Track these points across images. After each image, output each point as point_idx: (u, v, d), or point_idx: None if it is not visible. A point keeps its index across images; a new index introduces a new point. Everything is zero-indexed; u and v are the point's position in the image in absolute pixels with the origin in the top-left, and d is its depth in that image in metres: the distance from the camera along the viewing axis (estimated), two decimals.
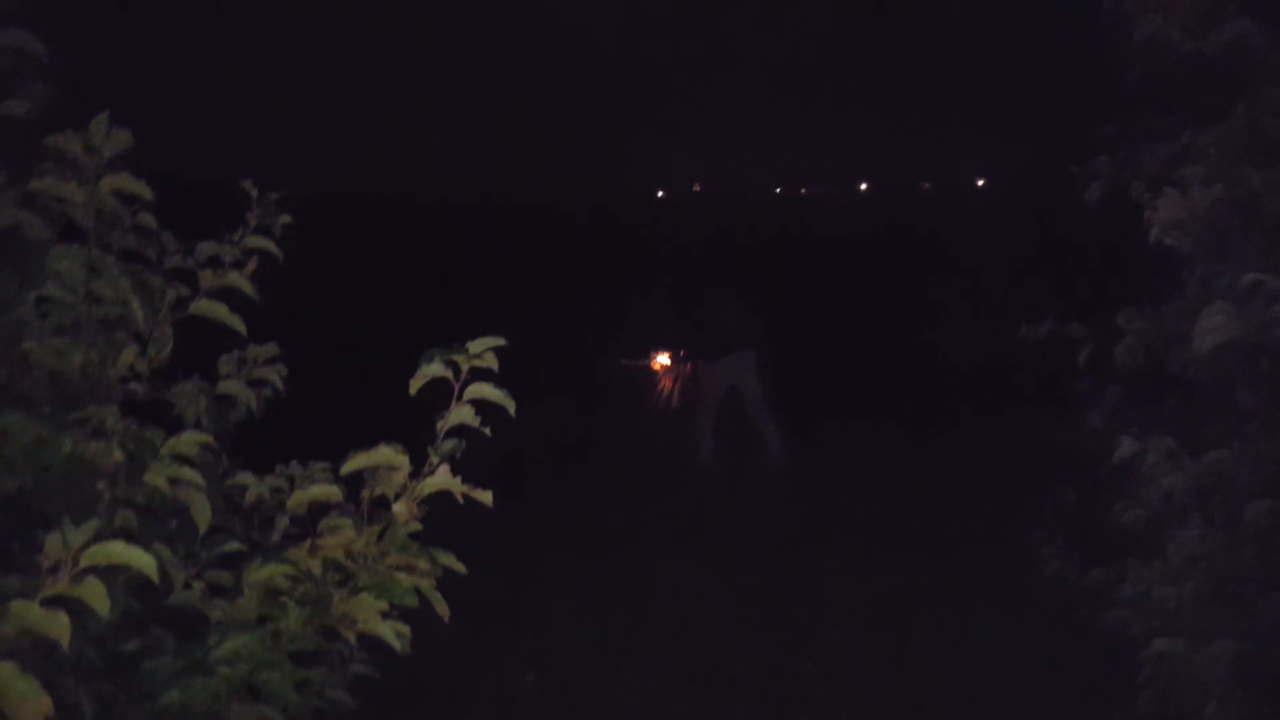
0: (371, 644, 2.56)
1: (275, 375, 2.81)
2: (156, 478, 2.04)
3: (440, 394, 2.30)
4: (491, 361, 2.28)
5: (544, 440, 8.19)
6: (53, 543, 1.54)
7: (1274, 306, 2.93)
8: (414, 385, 2.26)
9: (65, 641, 1.47)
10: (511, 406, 2.29)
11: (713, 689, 5.23)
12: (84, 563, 1.54)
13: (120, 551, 1.56)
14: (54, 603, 1.53)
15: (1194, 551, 3.15)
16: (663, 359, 10.40)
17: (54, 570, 1.55)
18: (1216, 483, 3.17)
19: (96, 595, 1.56)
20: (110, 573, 1.64)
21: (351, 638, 2.24)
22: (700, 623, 5.99)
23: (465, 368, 2.25)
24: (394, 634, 2.21)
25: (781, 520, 7.93)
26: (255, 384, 2.80)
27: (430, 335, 2.48)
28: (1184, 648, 3.02)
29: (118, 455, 2.17)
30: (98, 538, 1.61)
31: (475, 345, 2.27)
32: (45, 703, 1.47)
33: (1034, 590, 4.76)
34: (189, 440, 2.07)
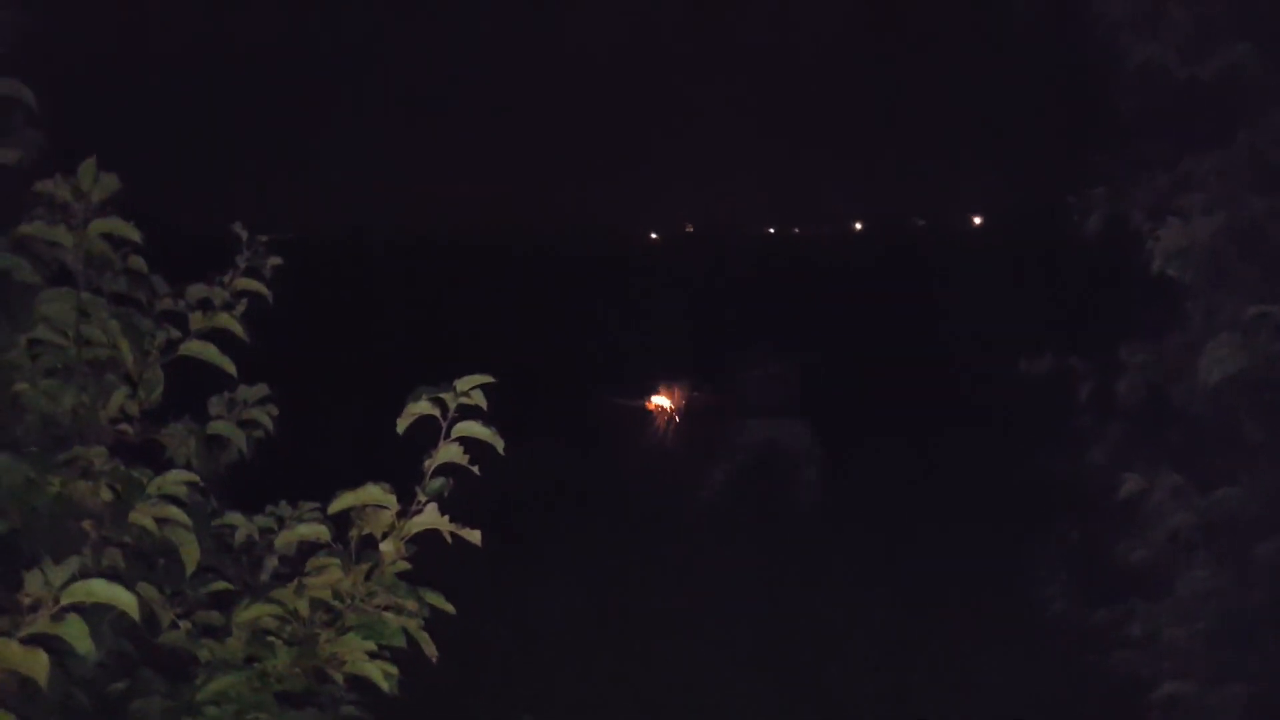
0: (363, 685, 2.51)
1: (265, 416, 2.78)
2: (142, 517, 2.01)
3: (432, 432, 2.27)
4: (480, 399, 2.25)
5: (532, 486, 8.12)
6: (33, 581, 1.51)
7: None
8: (401, 424, 2.23)
9: (43, 680, 1.44)
10: (500, 444, 2.25)
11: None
12: (64, 600, 1.51)
13: (101, 590, 1.53)
14: (36, 641, 1.50)
15: (1203, 590, 3.09)
16: (660, 400, 10.37)
17: (34, 608, 1.52)
18: (1225, 520, 3.12)
19: (78, 634, 1.53)
20: (96, 612, 1.61)
21: (339, 678, 2.20)
22: (696, 658, 5.90)
23: (453, 406, 2.22)
24: (381, 674, 2.17)
25: (784, 560, 7.85)
26: (246, 425, 2.77)
27: (423, 373, 2.45)
28: (1195, 690, 2.95)
29: (105, 495, 2.15)
30: (82, 576, 1.59)
31: (463, 383, 2.24)
32: None
33: (1037, 632, 4.68)
34: (175, 479, 2.04)
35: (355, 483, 2.25)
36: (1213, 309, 3.23)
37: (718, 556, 8.08)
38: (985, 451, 9.56)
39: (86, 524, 2.03)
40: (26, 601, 1.54)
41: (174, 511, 2.05)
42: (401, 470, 2.35)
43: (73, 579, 1.55)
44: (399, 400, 2.28)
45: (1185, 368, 3.21)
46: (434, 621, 2.26)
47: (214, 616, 2.36)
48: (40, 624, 1.53)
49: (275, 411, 2.79)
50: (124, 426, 2.54)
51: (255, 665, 2.23)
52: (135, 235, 2.38)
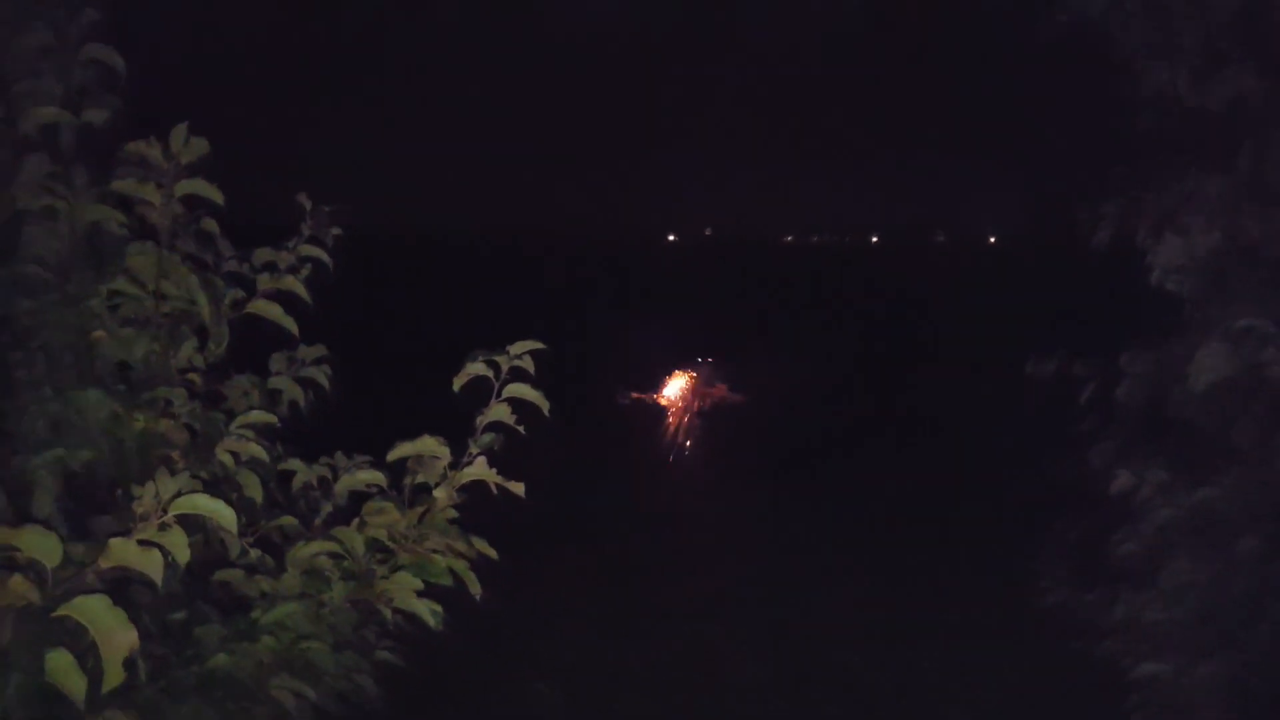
0: (396, 634, 2.72)
1: (322, 374, 2.99)
2: (224, 454, 2.21)
3: (481, 394, 2.46)
4: (529, 364, 2.45)
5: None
6: (146, 492, 1.70)
7: (1266, 349, 3.09)
8: (458, 381, 2.43)
9: (159, 578, 1.62)
10: (545, 406, 2.45)
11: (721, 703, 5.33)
12: (172, 511, 1.70)
13: (205, 503, 1.72)
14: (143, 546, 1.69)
15: (1184, 581, 3.28)
16: (674, 389, 10.53)
17: (144, 518, 1.71)
18: (1208, 516, 3.31)
19: (178, 543, 1.72)
20: (188, 529, 1.81)
21: (388, 613, 2.39)
22: (707, 638, 6.09)
23: (505, 368, 2.42)
24: (429, 611, 2.36)
25: (788, 553, 8.05)
26: (303, 382, 2.97)
27: (461, 350, 2.64)
28: (1172, 670, 3.14)
29: (185, 433, 2.36)
30: (181, 493, 1.78)
31: (516, 347, 2.44)
32: (132, 635, 1.63)
33: (1035, 622, 4.87)
34: (257, 417, 2.24)
35: (408, 436, 2.46)
36: (1208, 320, 3.42)
37: (714, 547, 8.27)
38: (991, 451, 9.74)
39: (174, 454, 2.24)
40: (139, 510, 1.74)
41: (253, 448, 2.25)
42: (439, 431, 2.54)
43: (179, 494, 1.75)
44: (434, 370, 2.48)
45: (1180, 375, 3.40)
46: (456, 594, 2.44)
47: (267, 559, 2.57)
48: (150, 531, 1.73)
49: (330, 371, 3.01)
50: (192, 375, 2.75)
51: (311, 598, 2.43)
52: (218, 197, 2.57)
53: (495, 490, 2.44)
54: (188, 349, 2.70)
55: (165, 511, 1.71)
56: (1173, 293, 3.57)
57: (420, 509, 2.37)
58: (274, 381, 2.93)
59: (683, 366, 10.42)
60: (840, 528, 8.83)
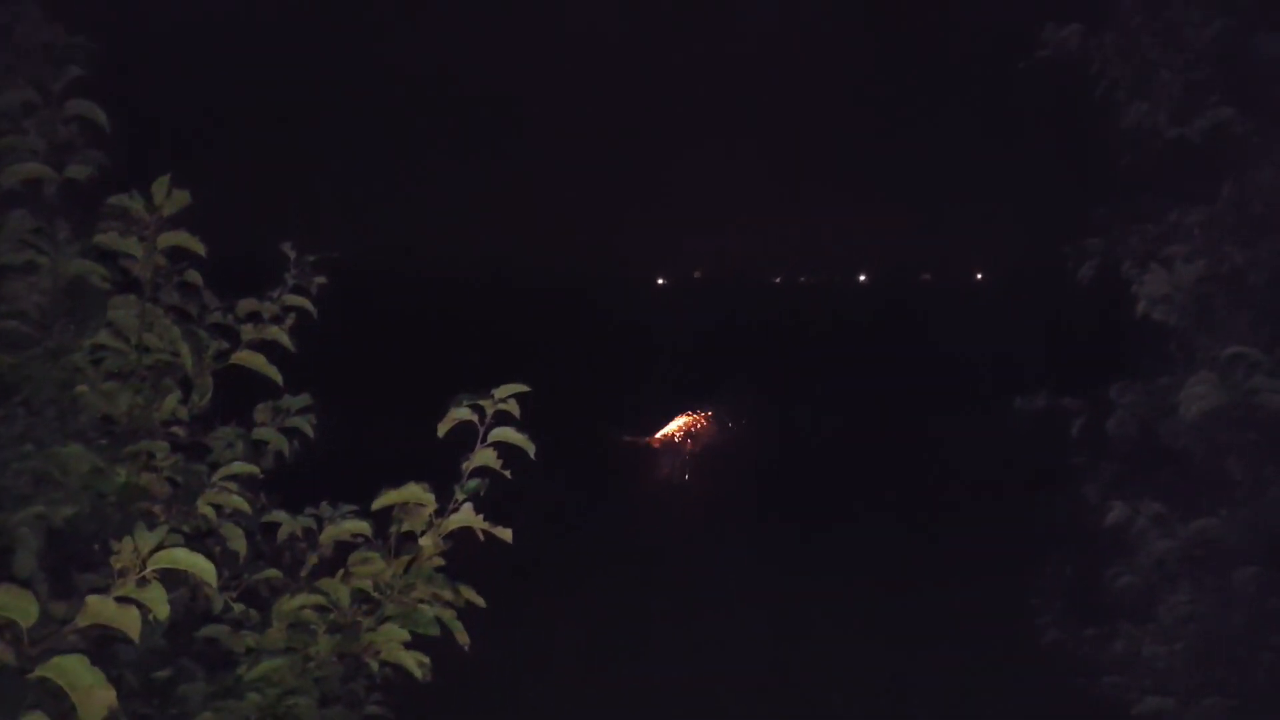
0: (385, 686, 2.68)
1: (307, 424, 2.96)
2: (206, 506, 2.18)
3: (468, 437, 2.44)
4: (514, 407, 2.43)
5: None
6: (125, 547, 1.67)
7: (1255, 377, 3.08)
8: (443, 427, 2.40)
9: (136, 635, 1.59)
10: (531, 449, 2.42)
11: None
12: (151, 566, 1.67)
13: (185, 558, 1.69)
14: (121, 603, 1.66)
15: (1184, 614, 3.25)
16: (666, 430, 10.49)
17: (123, 573, 1.68)
18: (1206, 548, 3.29)
19: (158, 599, 1.69)
20: (167, 584, 1.78)
21: (375, 666, 2.35)
22: (706, 683, 6.01)
23: (490, 411, 2.39)
24: (415, 663, 2.32)
25: (781, 591, 7.98)
26: (288, 431, 2.95)
27: (443, 392, 2.62)
28: (1175, 706, 3.09)
29: (167, 486, 2.33)
30: (161, 547, 1.75)
31: (500, 391, 2.41)
32: (110, 694, 1.59)
33: (1033, 660, 4.82)
34: (239, 469, 2.21)
35: (395, 481, 2.43)
36: (1195, 350, 3.42)
37: (708, 577, 8.21)
38: (984, 486, 9.72)
39: (156, 508, 2.21)
40: (117, 565, 1.71)
41: (235, 500, 2.22)
42: (425, 477, 2.52)
43: (159, 548, 1.72)
44: (422, 414, 2.46)
45: (1171, 406, 3.39)
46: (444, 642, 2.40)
47: (251, 613, 2.53)
48: (128, 588, 1.69)
49: (315, 420, 2.98)
50: (175, 429, 2.72)
51: (296, 652, 2.38)
52: (200, 249, 2.57)
53: (482, 536, 2.41)
54: (171, 401, 2.68)
55: (145, 566, 1.68)
56: (1160, 323, 3.57)
57: (406, 558, 2.34)
58: (259, 432, 2.91)
59: (675, 409, 10.40)
60: (830, 565, 8.78)
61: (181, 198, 2.53)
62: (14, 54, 2.86)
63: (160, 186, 2.55)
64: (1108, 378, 4.07)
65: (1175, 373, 3.64)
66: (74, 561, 2.22)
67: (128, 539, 1.69)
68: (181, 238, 2.55)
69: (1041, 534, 5.02)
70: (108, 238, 2.51)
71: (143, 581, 1.72)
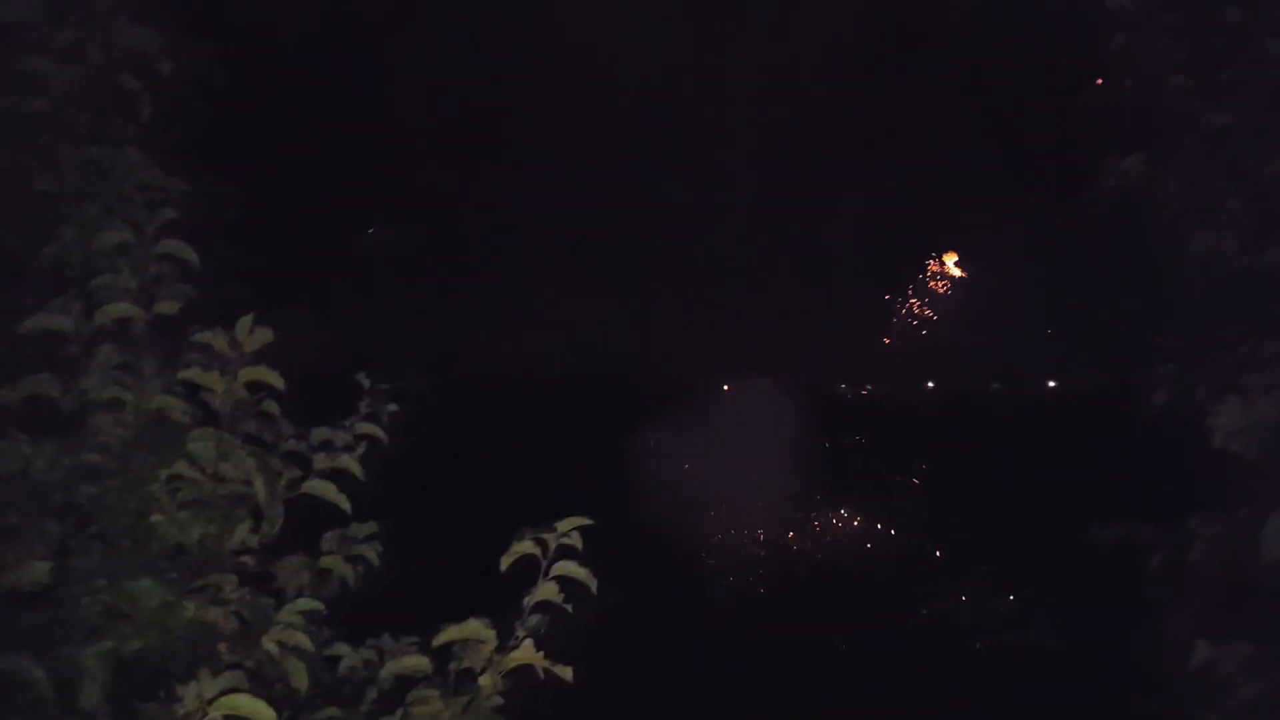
0: None
1: (373, 552, 3.00)
2: (271, 643, 2.20)
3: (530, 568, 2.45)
4: (577, 540, 2.43)
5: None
6: (190, 692, 1.69)
7: None
8: (505, 561, 2.42)
9: None
10: (594, 585, 2.42)
11: None
12: (213, 712, 1.69)
13: (246, 704, 1.71)
14: None
15: None
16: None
17: (186, 718, 1.70)
18: None
19: None
20: None
21: None
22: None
23: (553, 545, 2.40)
24: None
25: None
26: (354, 559, 2.98)
27: (506, 514, 2.64)
28: None
29: (233, 621, 2.36)
30: (224, 691, 1.77)
31: (563, 525, 2.43)
32: None
33: None
34: (302, 607, 2.24)
35: (456, 616, 2.44)
36: (1276, 484, 3.31)
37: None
38: (1059, 621, 9.34)
39: (221, 647, 2.23)
40: (180, 712, 1.73)
41: (300, 638, 2.24)
42: (490, 603, 2.52)
43: (222, 693, 1.75)
44: (488, 539, 2.48)
45: (1253, 541, 3.27)
46: None
47: None
48: None
49: (380, 549, 3.01)
50: (244, 557, 2.77)
51: None
52: (279, 383, 2.65)
53: (542, 675, 2.39)
54: (242, 530, 2.74)
55: (208, 712, 1.71)
56: (1237, 455, 3.47)
57: (465, 698, 2.33)
58: (325, 561, 2.94)
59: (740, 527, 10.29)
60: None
61: (264, 335, 2.64)
62: (113, 195, 3.03)
63: (245, 324, 2.65)
64: (1184, 509, 3.94)
65: (1256, 505, 3.52)
66: (139, 692, 2.24)
67: (193, 684, 1.72)
68: (262, 373, 2.64)
69: (1121, 671, 4.81)
70: (191, 373, 2.61)
71: None
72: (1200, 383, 3.80)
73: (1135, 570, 4.09)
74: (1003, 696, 7.87)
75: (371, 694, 2.70)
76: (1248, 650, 3.32)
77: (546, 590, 2.41)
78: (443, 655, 2.46)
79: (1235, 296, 3.72)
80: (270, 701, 2.40)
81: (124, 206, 2.93)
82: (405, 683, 2.50)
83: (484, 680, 2.33)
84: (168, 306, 2.80)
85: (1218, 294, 3.77)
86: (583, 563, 2.45)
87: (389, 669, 2.52)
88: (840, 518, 11.10)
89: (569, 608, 2.45)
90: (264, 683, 2.42)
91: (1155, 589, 4.06)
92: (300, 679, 2.41)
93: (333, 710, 2.44)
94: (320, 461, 2.83)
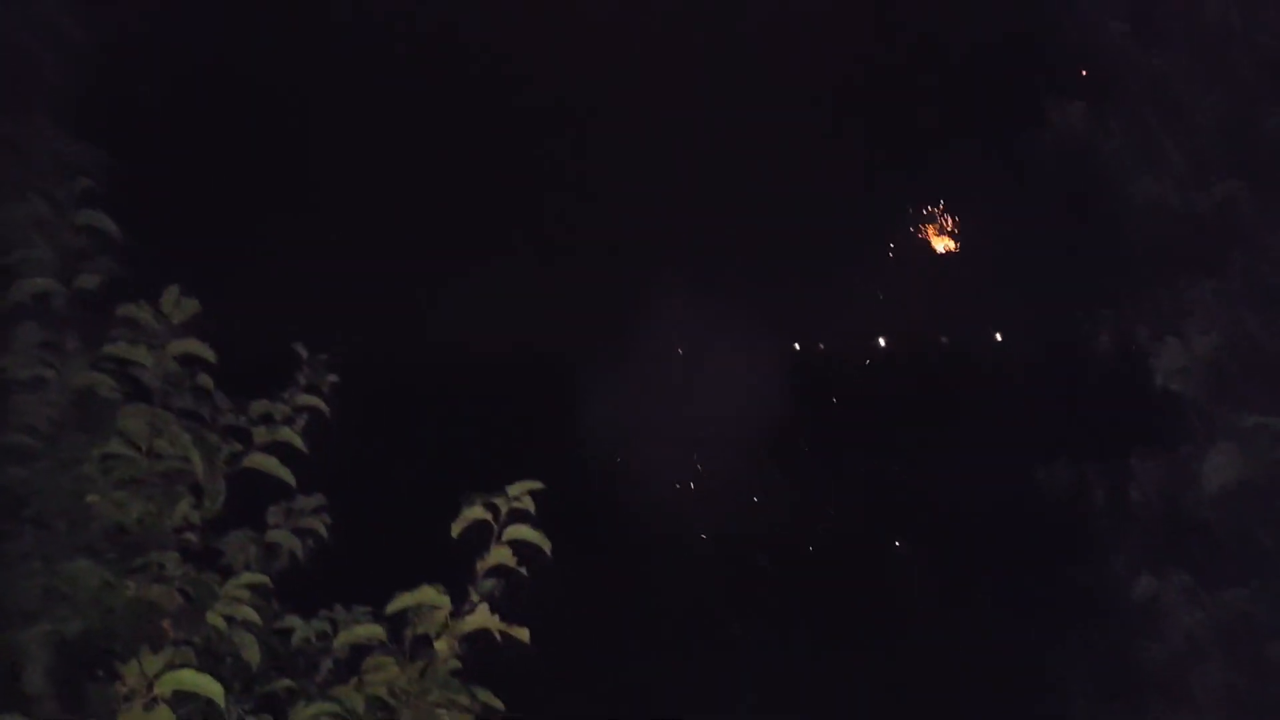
0: None
1: (321, 524, 2.94)
2: (217, 618, 2.15)
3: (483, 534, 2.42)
4: (529, 504, 2.41)
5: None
6: (131, 670, 1.65)
7: (1278, 447, 3.04)
8: (456, 527, 2.38)
9: None
10: (548, 546, 2.40)
11: None
12: (158, 689, 1.65)
13: (191, 679, 1.67)
14: None
15: (1216, 688, 3.16)
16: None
17: (129, 698, 1.65)
18: (1236, 620, 3.21)
19: None
20: (177, 705, 1.75)
21: None
22: None
23: (505, 510, 2.37)
24: None
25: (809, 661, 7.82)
26: (301, 532, 2.93)
27: (463, 482, 2.60)
28: None
29: (177, 598, 2.30)
30: (168, 668, 1.72)
31: (514, 488, 2.40)
32: None
33: None
34: (247, 580, 2.19)
35: (408, 584, 2.40)
36: (1215, 421, 3.38)
37: (739, 672, 8.05)
38: (1008, 557, 9.52)
39: (165, 624, 2.18)
40: (123, 691, 1.68)
41: (247, 611, 2.19)
42: (446, 572, 2.49)
43: (166, 669, 1.70)
44: (445, 507, 2.44)
45: (1192, 476, 3.34)
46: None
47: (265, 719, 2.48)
48: (135, 712, 1.67)
49: (329, 520, 2.96)
50: (187, 535, 2.70)
51: None
52: (210, 356, 2.57)
53: (499, 637, 2.37)
54: (183, 507, 2.66)
55: (152, 689, 1.66)
56: (1178, 394, 3.54)
57: (421, 663, 2.29)
58: (272, 535, 2.88)
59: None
60: (838, 632, 8.58)
61: (191, 306, 2.56)
62: (24, 167, 2.91)
63: (170, 295, 2.57)
64: (1129, 448, 4.02)
65: (1196, 442, 3.60)
66: (84, 672, 2.19)
67: (134, 662, 1.67)
68: (192, 345, 2.56)
69: (1066, 605, 4.90)
70: (117, 348, 2.53)
71: (151, 704, 1.70)
72: (1141, 324, 3.86)
73: (1081, 508, 4.17)
74: (952, 633, 8.03)
75: (327, 664, 2.67)
76: (1188, 581, 3.40)
77: (500, 554, 2.38)
78: (398, 623, 2.43)
79: (1173, 239, 3.77)
80: (221, 677, 2.37)
81: (36, 177, 2.81)
82: (361, 652, 2.46)
83: (440, 645, 2.30)
84: (88, 281, 2.70)
85: (1157, 237, 3.82)
86: (535, 526, 2.42)
87: (343, 639, 2.48)
88: (793, 472, 11.19)
89: (523, 570, 2.42)
90: (215, 659, 2.38)
91: (1100, 524, 4.15)
92: (252, 652, 2.36)
93: (287, 681, 2.40)
94: (260, 435, 2.76)
